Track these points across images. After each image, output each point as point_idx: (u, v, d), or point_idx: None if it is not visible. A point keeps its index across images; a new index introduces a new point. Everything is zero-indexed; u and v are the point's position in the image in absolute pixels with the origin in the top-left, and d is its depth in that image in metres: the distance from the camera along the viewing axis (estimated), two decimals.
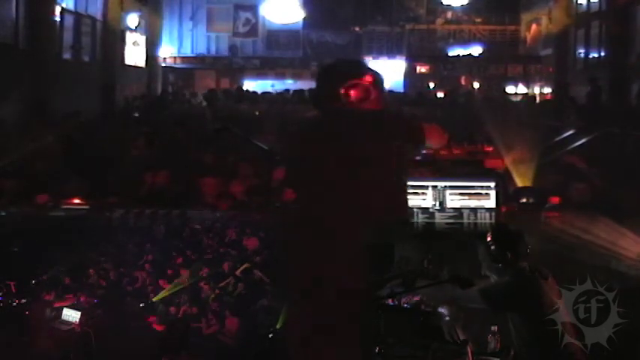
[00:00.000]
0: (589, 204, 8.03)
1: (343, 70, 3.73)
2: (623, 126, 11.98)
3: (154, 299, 7.80)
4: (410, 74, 27.30)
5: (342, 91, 3.57)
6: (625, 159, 10.25)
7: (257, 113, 18.12)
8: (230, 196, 9.57)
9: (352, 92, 3.58)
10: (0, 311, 7.22)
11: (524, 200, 8.08)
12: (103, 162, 10.59)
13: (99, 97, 19.88)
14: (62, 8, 18.23)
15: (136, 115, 18.74)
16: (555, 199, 7.72)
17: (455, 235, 4.87)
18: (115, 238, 8.25)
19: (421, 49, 27.74)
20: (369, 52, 27.93)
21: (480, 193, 5.37)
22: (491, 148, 11.15)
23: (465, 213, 4.99)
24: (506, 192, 7.39)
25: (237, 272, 7.94)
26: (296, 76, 28.01)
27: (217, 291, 7.81)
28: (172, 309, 7.91)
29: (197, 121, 15.89)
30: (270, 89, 25.19)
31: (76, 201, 8.44)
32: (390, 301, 4.09)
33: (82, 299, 7.52)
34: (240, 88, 24.39)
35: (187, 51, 28.65)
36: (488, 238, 4.41)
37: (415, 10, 28.84)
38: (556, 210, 7.49)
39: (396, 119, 3.66)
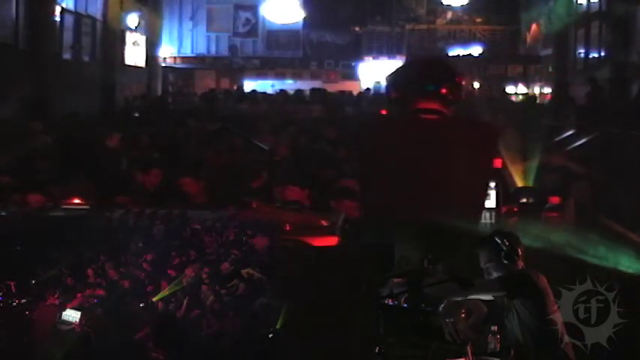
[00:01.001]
0: (589, 204, 8.02)
1: (441, 70, 3.78)
2: (623, 126, 11.97)
3: (154, 299, 7.79)
4: None
5: (444, 90, 3.61)
6: (625, 159, 10.24)
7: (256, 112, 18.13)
8: (230, 196, 9.56)
9: (449, 92, 3.62)
10: (0, 311, 7.21)
11: (524, 200, 8.06)
12: (102, 162, 10.58)
13: (99, 97, 19.88)
14: (62, 8, 18.22)
15: (136, 115, 18.73)
16: (555, 199, 7.69)
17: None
18: (115, 238, 8.23)
19: (421, 49, 27.73)
20: (369, 52, 27.95)
21: None
22: None
23: None
24: (506, 192, 7.38)
25: (244, 272, 7.93)
26: (296, 76, 28.02)
27: (224, 291, 7.81)
28: (172, 309, 7.91)
29: (197, 120, 15.86)
30: (269, 89, 25.19)
31: (76, 201, 8.42)
32: (390, 301, 4.09)
33: (82, 299, 7.51)
34: (241, 88, 24.38)
35: (187, 51, 28.66)
36: (501, 238, 4.43)
37: (415, 10, 28.85)
38: (556, 210, 7.47)
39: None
